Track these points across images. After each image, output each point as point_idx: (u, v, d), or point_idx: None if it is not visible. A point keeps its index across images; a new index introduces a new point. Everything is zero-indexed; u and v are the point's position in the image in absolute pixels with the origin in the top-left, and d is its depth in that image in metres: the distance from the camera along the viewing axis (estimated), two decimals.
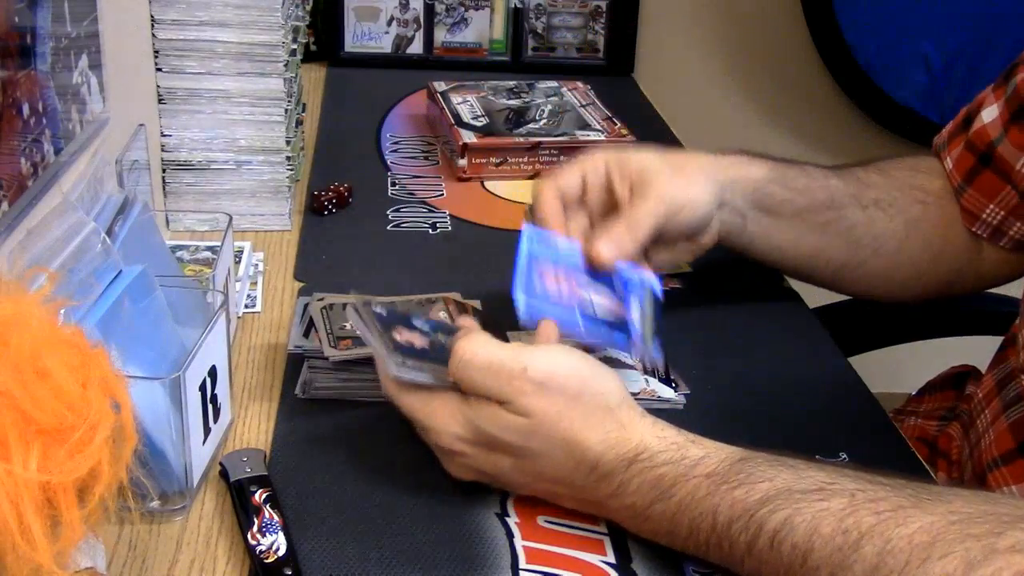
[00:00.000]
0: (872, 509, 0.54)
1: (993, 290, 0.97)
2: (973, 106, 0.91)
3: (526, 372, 0.61)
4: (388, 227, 1.04)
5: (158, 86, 0.96)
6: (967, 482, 0.86)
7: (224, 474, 0.66)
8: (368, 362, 0.75)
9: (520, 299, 0.70)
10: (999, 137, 0.86)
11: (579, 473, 0.62)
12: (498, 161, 1.17)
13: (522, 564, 0.61)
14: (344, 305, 0.78)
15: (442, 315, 0.80)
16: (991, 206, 0.88)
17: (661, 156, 0.82)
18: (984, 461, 0.84)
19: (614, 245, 0.76)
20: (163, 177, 0.99)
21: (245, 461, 0.66)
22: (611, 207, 0.80)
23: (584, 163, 0.81)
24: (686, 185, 0.80)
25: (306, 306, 0.80)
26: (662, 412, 0.76)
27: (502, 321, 0.76)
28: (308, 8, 1.24)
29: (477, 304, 0.82)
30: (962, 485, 0.86)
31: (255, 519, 0.62)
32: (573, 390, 0.62)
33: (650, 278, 0.79)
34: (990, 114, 0.88)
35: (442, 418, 0.63)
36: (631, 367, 0.80)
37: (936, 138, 0.95)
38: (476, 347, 0.63)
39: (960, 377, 1.04)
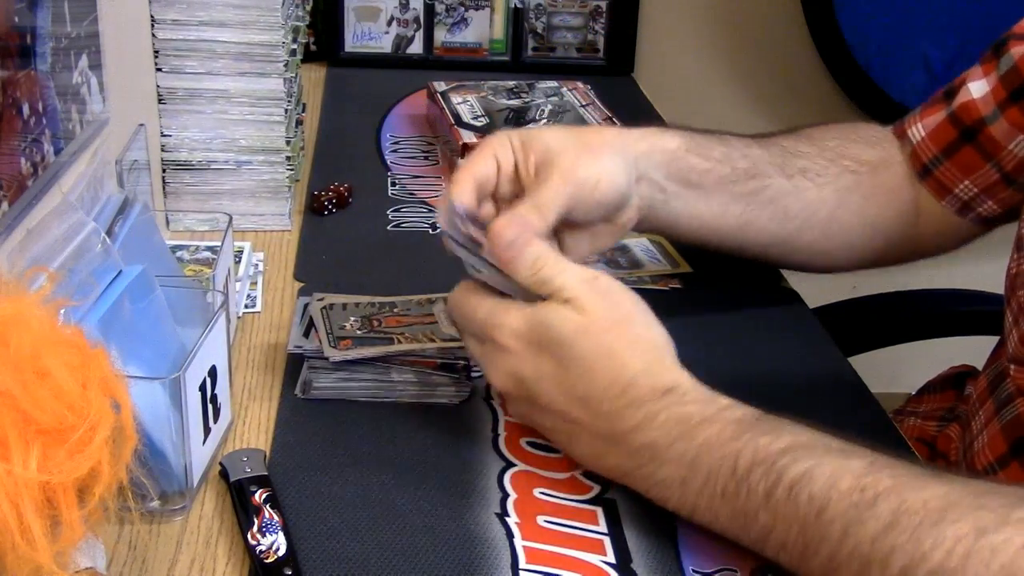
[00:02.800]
0: (890, 473, 0.55)
1: (992, 290, 0.97)
2: (956, 82, 0.90)
3: (597, 279, 0.66)
4: (388, 227, 1.04)
5: (158, 86, 0.96)
6: None
7: (224, 474, 0.66)
8: (368, 362, 0.75)
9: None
10: (992, 115, 0.85)
11: (611, 392, 0.63)
12: None
13: (522, 564, 0.61)
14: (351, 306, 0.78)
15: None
16: (966, 182, 0.87)
17: (568, 133, 0.79)
18: (977, 464, 0.84)
19: (521, 227, 0.70)
20: (163, 177, 0.99)
21: (245, 461, 0.66)
22: (520, 192, 0.77)
23: (493, 145, 0.77)
24: (594, 161, 0.77)
25: (306, 306, 0.80)
26: None
27: None
28: (308, 8, 1.24)
29: None
30: None
31: (255, 519, 0.62)
32: (629, 311, 0.66)
33: None
34: (979, 88, 0.86)
35: (508, 313, 0.66)
36: None
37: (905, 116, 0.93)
38: (555, 253, 0.68)
39: (960, 377, 1.04)
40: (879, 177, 0.90)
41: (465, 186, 0.74)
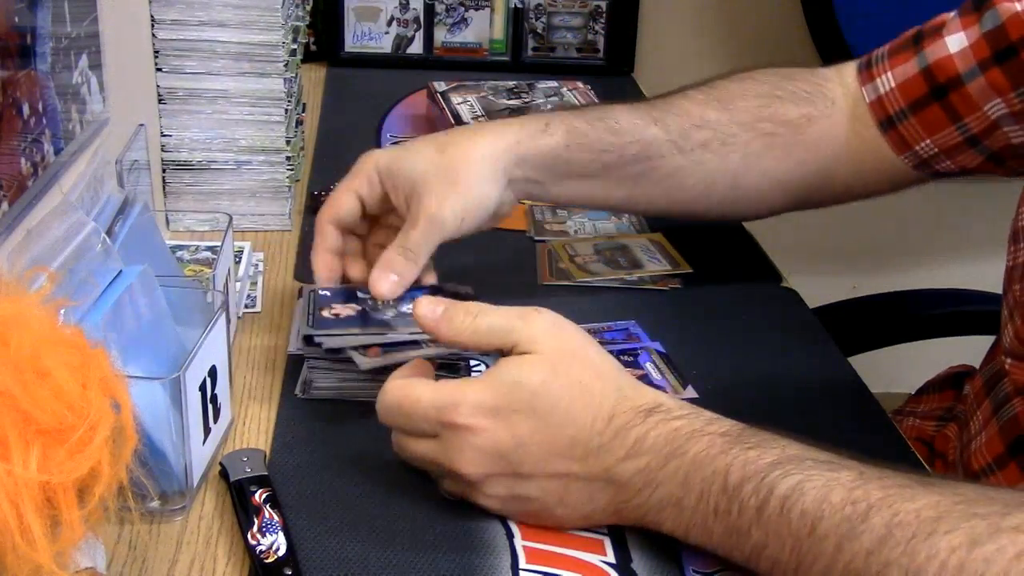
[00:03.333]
0: (880, 484, 0.54)
1: (992, 290, 0.97)
2: (927, 27, 0.87)
3: (539, 312, 0.64)
4: None
5: (158, 86, 0.96)
6: None
7: (224, 474, 0.66)
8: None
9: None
10: (970, 72, 0.82)
11: (597, 426, 0.61)
12: None
13: (522, 564, 0.61)
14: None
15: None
16: (928, 141, 0.86)
17: (433, 160, 0.79)
18: (975, 464, 0.84)
19: (395, 278, 0.76)
20: (163, 177, 0.99)
21: (245, 461, 0.66)
22: (393, 212, 0.81)
23: (356, 180, 0.80)
24: (459, 197, 0.78)
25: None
26: None
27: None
28: (308, 8, 1.24)
29: (470, 288, 0.81)
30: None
31: (255, 519, 0.62)
32: (580, 340, 0.64)
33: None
34: (957, 42, 0.83)
35: (463, 389, 0.62)
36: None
37: (872, 54, 0.91)
38: (477, 311, 0.65)
39: (958, 377, 1.04)
40: (801, 135, 0.88)
41: (328, 237, 0.80)
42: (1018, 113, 0.81)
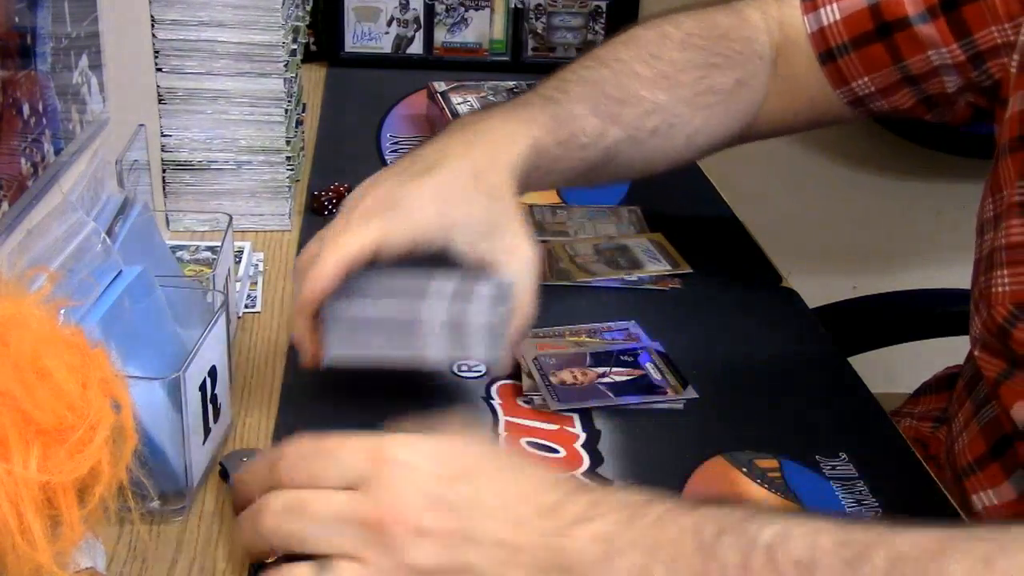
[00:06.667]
0: (863, 526, 0.50)
1: None
2: None
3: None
4: None
5: (158, 86, 0.96)
6: (946, 483, 0.81)
7: (224, 474, 0.66)
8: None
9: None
10: (919, 16, 0.82)
11: (545, 485, 0.54)
12: None
13: None
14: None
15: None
16: (865, 78, 0.86)
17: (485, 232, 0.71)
18: (959, 465, 0.84)
19: None
20: (163, 177, 0.99)
21: (245, 461, 0.66)
22: None
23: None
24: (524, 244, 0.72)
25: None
26: (661, 412, 0.76)
27: None
28: (308, 8, 1.24)
29: None
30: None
31: None
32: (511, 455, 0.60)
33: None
34: None
35: (398, 434, 0.56)
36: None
37: None
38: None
39: (954, 378, 1.04)
40: (734, 99, 0.88)
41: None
42: (959, 64, 0.82)
